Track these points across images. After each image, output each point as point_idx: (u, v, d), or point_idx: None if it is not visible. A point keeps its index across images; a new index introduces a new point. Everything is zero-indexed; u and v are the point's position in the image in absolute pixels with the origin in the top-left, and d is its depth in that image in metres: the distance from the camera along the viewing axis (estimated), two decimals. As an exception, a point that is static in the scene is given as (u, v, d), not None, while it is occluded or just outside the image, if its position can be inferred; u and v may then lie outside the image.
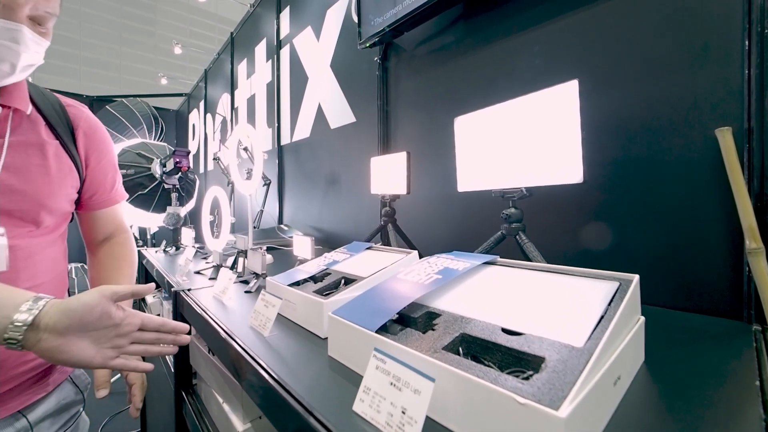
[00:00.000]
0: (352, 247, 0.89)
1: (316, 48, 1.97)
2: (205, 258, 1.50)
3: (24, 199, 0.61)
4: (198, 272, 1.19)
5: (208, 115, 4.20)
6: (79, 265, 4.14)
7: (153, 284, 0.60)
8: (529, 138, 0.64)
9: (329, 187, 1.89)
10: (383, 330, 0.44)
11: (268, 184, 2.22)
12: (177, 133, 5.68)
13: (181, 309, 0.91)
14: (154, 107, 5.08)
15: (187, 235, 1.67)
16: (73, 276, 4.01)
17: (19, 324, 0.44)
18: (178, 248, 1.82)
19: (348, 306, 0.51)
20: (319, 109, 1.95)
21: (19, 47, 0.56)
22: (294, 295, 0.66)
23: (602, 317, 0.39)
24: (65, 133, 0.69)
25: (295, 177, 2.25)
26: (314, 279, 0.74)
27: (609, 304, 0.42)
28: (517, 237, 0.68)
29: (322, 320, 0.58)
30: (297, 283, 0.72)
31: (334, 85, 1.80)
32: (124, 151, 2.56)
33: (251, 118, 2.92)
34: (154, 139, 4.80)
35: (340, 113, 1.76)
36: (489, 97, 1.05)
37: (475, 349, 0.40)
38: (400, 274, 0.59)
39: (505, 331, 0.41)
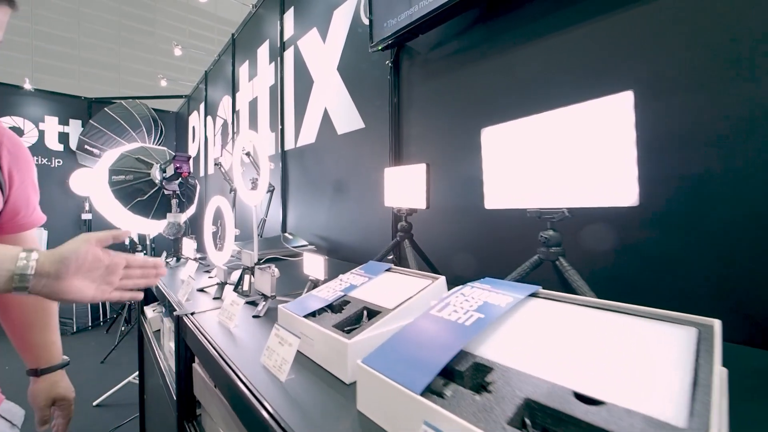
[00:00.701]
0: (369, 268, 0.82)
1: (322, 50, 1.90)
2: (207, 271, 1.43)
3: None
4: (201, 290, 1.12)
5: (209, 118, 4.13)
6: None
7: (129, 230, 0.64)
8: (574, 154, 0.58)
9: (336, 195, 1.82)
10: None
11: (271, 191, 2.15)
12: (177, 136, 5.61)
13: (183, 334, 0.85)
14: (153, 109, 5.02)
15: (188, 246, 1.60)
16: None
17: (26, 274, 0.49)
18: (178, 260, 1.75)
19: (380, 353, 0.44)
20: (326, 114, 1.88)
21: None
22: (311, 330, 0.59)
23: (695, 380, 0.33)
24: None
25: (300, 184, 2.19)
26: (332, 308, 0.67)
27: (697, 360, 0.35)
28: (557, 263, 0.61)
29: (346, 363, 0.51)
30: (312, 314, 0.65)
31: (341, 90, 1.74)
32: (123, 156, 2.49)
33: (253, 121, 2.85)
34: (154, 142, 4.73)
35: (348, 119, 1.70)
36: (517, 106, 0.99)
37: (545, 420, 0.34)
38: (432, 309, 0.53)
39: (578, 397, 0.34)
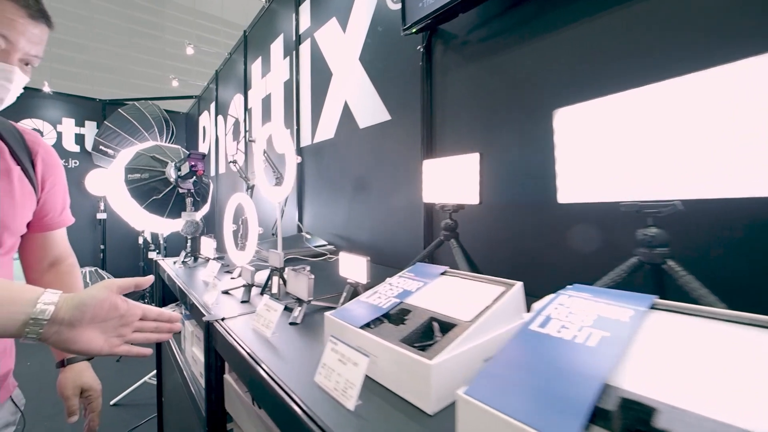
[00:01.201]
0: (420, 271, 0.73)
1: (342, 41, 1.81)
2: (228, 271, 1.36)
3: None
4: (226, 292, 1.04)
5: (220, 117, 4.08)
6: (93, 269, 4.06)
7: (152, 276, 0.63)
8: (694, 134, 0.48)
9: (357, 192, 1.73)
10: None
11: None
12: (187, 136, 5.60)
13: (214, 342, 0.76)
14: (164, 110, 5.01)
15: (207, 245, 1.53)
16: (88, 281, 3.92)
17: (41, 319, 0.48)
18: (196, 259, 1.67)
19: (486, 382, 0.34)
20: (346, 108, 1.79)
21: (10, 85, 0.65)
22: (373, 345, 0.50)
23: None
24: (25, 159, 0.75)
25: (317, 181, 2.10)
26: (389, 318, 0.58)
27: None
28: (666, 266, 0.51)
29: (429, 390, 0.42)
30: (368, 324, 0.56)
31: (363, 81, 1.65)
32: (138, 155, 2.44)
33: (267, 118, 2.78)
34: (165, 142, 4.71)
35: (372, 111, 1.60)
36: (587, 86, 0.88)
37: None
38: (531, 324, 0.43)
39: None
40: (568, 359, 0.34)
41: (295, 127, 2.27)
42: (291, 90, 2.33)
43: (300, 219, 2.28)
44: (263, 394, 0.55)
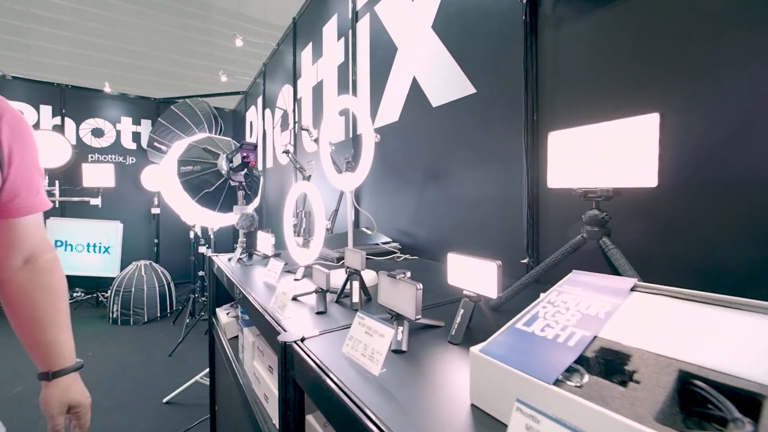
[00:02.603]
0: (586, 283, 0.50)
1: (410, 9, 1.59)
2: (289, 271, 1.19)
3: None
4: (295, 298, 0.87)
5: (267, 111, 4.04)
6: (147, 262, 4.19)
7: None
8: None
9: (429, 181, 1.51)
10: None
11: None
12: (233, 132, 5.70)
13: (292, 372, 0.58)
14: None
15: (265, 241, 1.38)
16: (143, 273, 4.05)
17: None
18: (251, 256, 1.54)
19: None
20: (414, 85, 1.57)
21: None
22: (605, 423, 0.28)
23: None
24: None
25: (377, 170, 1.90)
26: (585, 364, 0.35)
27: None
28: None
29: None
30: (557, 381, 0.34)
31: (439, 51, 1.42)
32: (190, 147, 2.39)
33: (318, 107, 2.64)
34: (215, 137, 4.79)
35: (449, 85, 1.37)
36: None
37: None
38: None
39: None
40: None
41: (350, 114, 2.09)
42: (346, 73, 2.15)
43: (357, 213, 2.11)
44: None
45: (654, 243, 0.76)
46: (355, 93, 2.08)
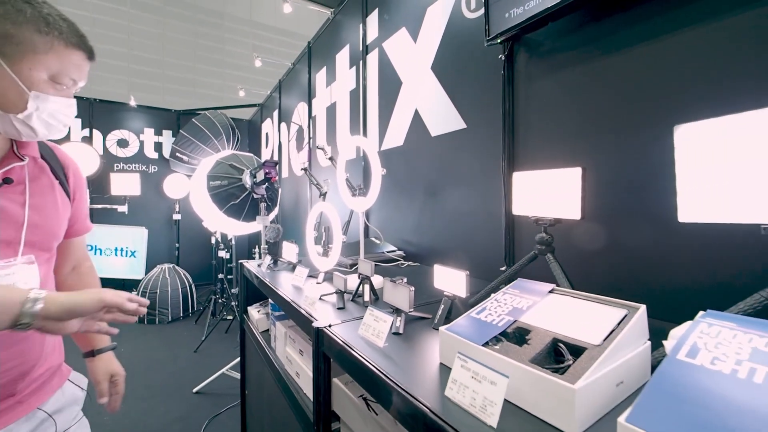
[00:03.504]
0: (524, 287, 0.74)
1: (413, 50, 1.85)
2: (312, 276, 1.45)
3: (44, 231, 0.77)
4: (321, 298, 1.12)
5: (283, 125, 4.33)
6: (171, 265, 4.51)
7: (144, 309, 0.72)
8: None
9: (428, 199, 1.76)
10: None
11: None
12: (249, 141, 6.00)
13: (323, 348, 0.83)
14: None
15: (290, 250, 1.64)
16: (167, 276, 4.37)
17: (33, 312, 0.58)
18: (276, 263, 1.81)
19: (650, 411, 0.35)
20: (416, 115, 1.83)
21: (73, 115, 0.75)
22: (505, 365, 0.52)
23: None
24: (61, 173, 0.84)
25: (385, 187, 2.15)
26: (506, 336, 0.60)
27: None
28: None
29: (573, 414, 0.43)
30: (486, 343, 0.58)
31: (436, 89, 1.67)
32: (218, 163, 2.69)
33: (332, 126, 2.91)
34: (231, 148, 5.10)
35: (445, 119, 1.62)
36: (699, 98, 0.83)
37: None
38: (679, 354, 0.43)
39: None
40: (738, 398, 0.34)
41: (361, 135, 2.36)
42: (357, 99, 2.42)
43: (366, 226, 2.36)
44: (387, 400, 0.60)
45: (582, 258, 1.01)
46: (365, 117, 2.34)
